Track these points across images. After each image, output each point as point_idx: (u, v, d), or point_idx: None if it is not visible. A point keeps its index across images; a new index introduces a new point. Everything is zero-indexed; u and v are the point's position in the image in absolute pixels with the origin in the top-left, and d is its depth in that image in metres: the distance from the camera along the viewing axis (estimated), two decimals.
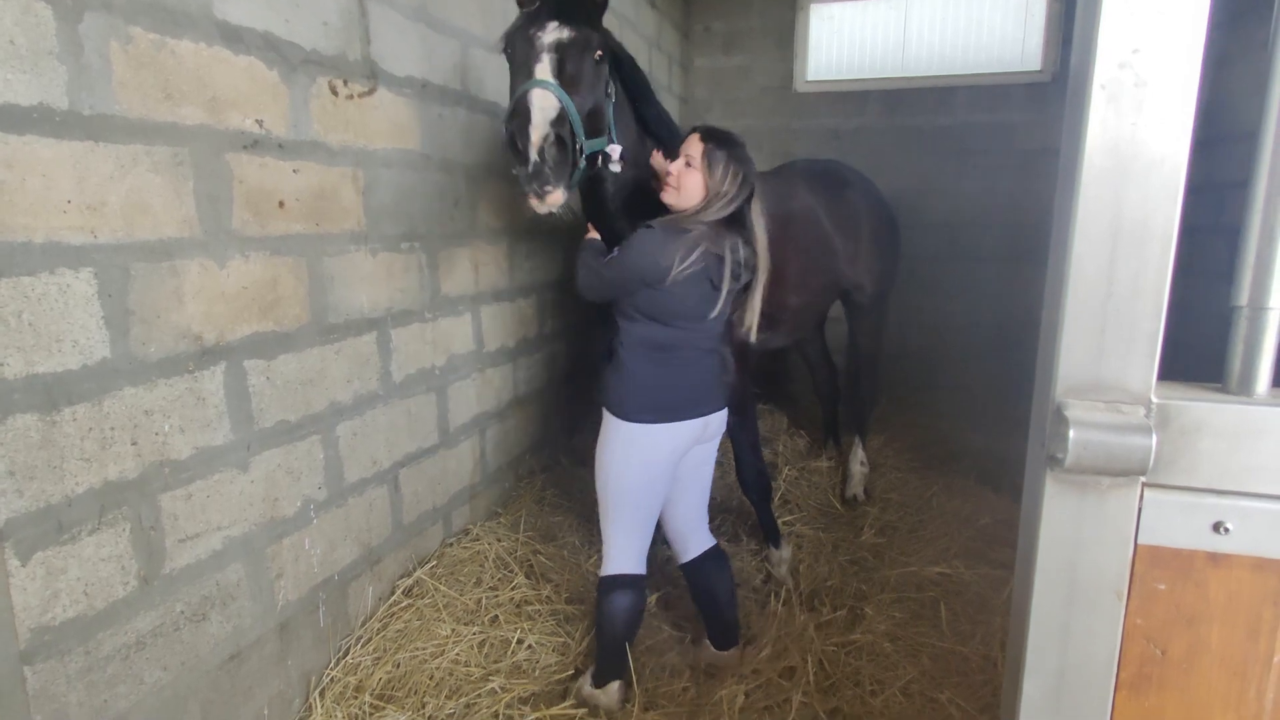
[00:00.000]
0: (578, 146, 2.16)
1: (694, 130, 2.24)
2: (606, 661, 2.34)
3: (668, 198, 2.22)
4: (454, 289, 2.96)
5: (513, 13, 3.27)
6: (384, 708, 2.27)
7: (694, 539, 2.50)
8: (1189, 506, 0.54)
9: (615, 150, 2.32)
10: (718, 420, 2.37)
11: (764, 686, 2.41)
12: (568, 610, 2.81)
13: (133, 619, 1.73)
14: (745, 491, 3.04)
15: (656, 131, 2.53)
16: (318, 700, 2.26)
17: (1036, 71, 5.27)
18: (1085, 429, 0.51)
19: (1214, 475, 0.53)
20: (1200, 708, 0.57)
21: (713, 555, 2.52)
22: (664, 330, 2.20)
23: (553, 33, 2.20)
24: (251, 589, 2.06)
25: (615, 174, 2.38)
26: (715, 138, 2.20)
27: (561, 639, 2.66)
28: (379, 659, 2.45)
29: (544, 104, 2.11)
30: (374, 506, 2.57)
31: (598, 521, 3.37)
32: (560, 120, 2.10)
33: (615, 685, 2.34)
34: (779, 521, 3.25)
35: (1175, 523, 0.54)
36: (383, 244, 2.52)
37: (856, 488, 3.83)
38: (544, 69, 2.16)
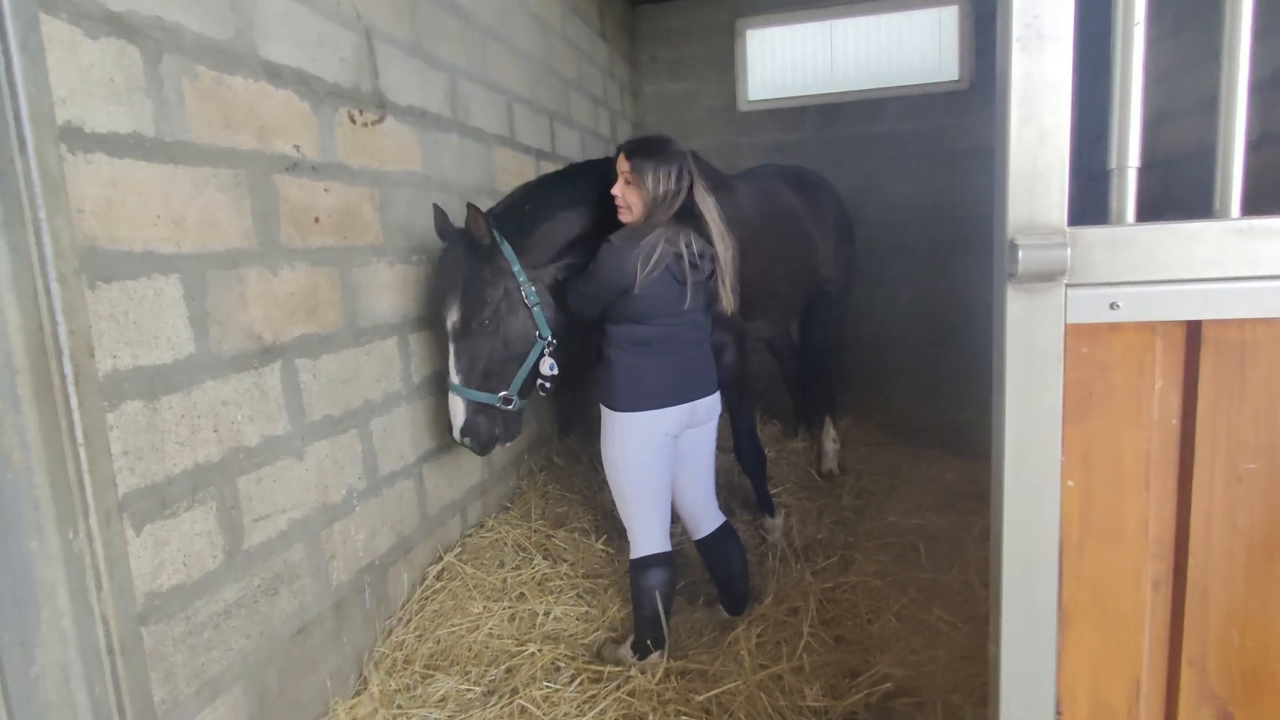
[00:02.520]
0: (512, 409, 2.68)
1: (619, 149, 2.44)
2: (647, 636, 2.51)
3: (623, 218, 2.43)
4: None
5: (491, 50, 3.60)
6: (433, 675, 2.47)
7: (705, 518, 2.71)
8: (1094, 295, 0.85)
9: (547, 366, 2.72)
10: (705, 405, 2.56)
11: (774, 626, 2.68)
12: (586, 584, 3.04)
13: (221, 589, 1.92)
14: (743, 465, 3.33)
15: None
16: (372, 672, 2.45)
17: (955, 81, 5.81)
18: (1029, 250, 0.82)
19: (1106, 273, 0.84)
20: (1115, 426, 0.87)
21: (725, 532, 2.73)
22: (643, 328, 2.41)
23: (453, 313, 2.60)
24: (311, 568, 2.26)
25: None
26: (638, 150, 2.38)
27: (585, 608, 2.89)
28: (421, 636, 2.64)
29: (455, 409, 2.63)
30: (404, 498, 2.78)
31: (602, 507, 3.64)
32: (474, 424, 2.63)
33: (655, 656, 2.51)
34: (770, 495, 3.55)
35: (1087, 307, 0.85)
36: (398, 256, 2.77)
37: (831, 462, 4.16)
38: (453, 367, 2.62)
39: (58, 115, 1.52)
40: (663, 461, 2.50)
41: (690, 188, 2.38)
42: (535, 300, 2.66)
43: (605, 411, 2.50)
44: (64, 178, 1.53)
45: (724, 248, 2.44)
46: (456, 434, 2.65)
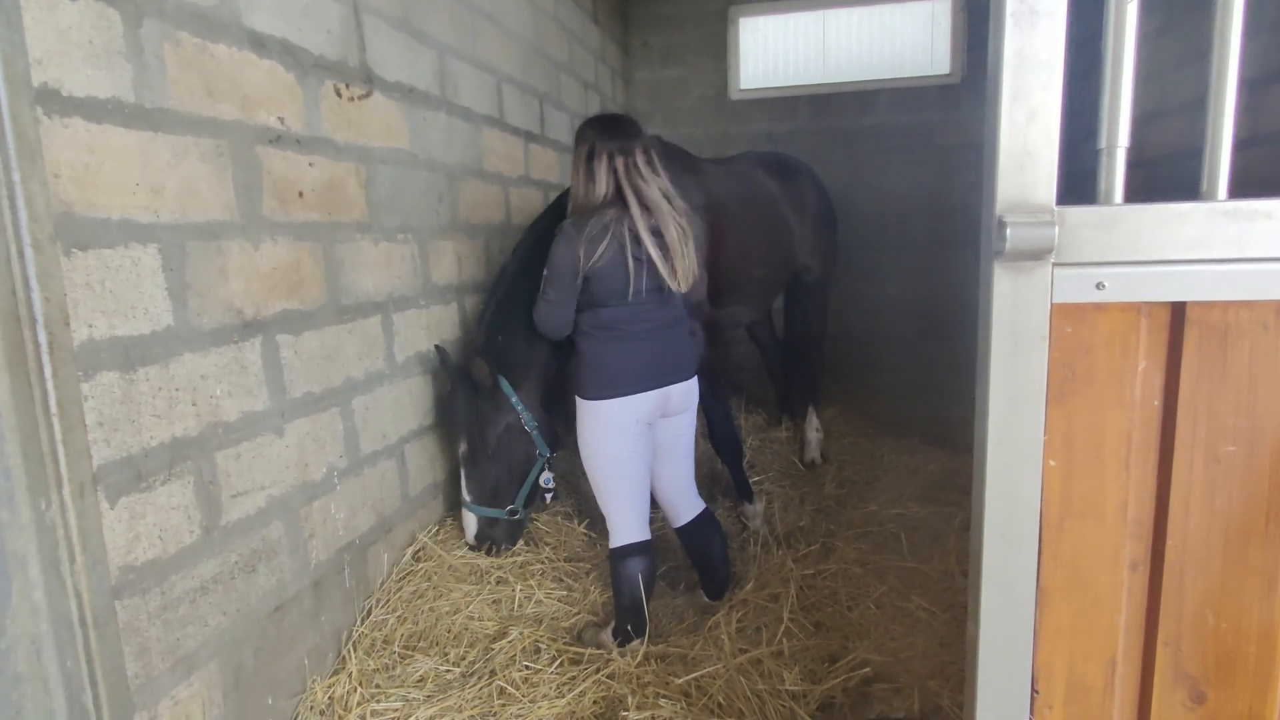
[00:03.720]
0: (517, 518, 3.00)
1: None
2: (627, 623, 2.51)
3: None
4: (441, 279, 3.19)
5: (482, 28, 3.57)
6: (412, 656, 2.47)
7: (684, 505, 2.72)
8: (1081, 275, 0.85)
9: (544, 480, 3.05)
10: (679, 391, 2.52)
11: (754, 612, 2.69)
12: (567, 568, 3.04)
13: (197, 565, 1.90)
14: (719, 452, 3.33)
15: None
16: (350, 652, 2.44)
17: (946, 75, 5.81)
18: (1016, 228, 0.82)
19: (1093, 253, 0.84)
20: (1097, 406, 0.87)
21: (705, 519, 2.74)
22: (604, 311, 2.42)
23: (462, 445, 2.93)
24: (290, 546, 2.24)
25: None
26: (579, 128, 2.50)
27: (566, 592, 2.89)
28: (401, 617, 2.63)
29: (468, 524, 2.96)
30: (385, 477, 2.76)
31: (585, 492, 3.63)
32: (484, 534, 2.95)
33: (636, 643, 2.51)
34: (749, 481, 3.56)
35: (1073, 286, 0.85)
36: (383, 234, 2.73)
37: (814, 452, 4.18)
38: (464, 487, 2.95)
39: (34, 77, 1.49)
40: (637, 450, 2.49)
41: (625, 169, 2.36)
42: (533, 424, 2.97)
43: (578, 401, 2.52)
44: (40, 141, 1.50)
45: (674, 229, 2.37)
46: (471, 541, 2.98)
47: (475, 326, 3.18)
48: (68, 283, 1.57)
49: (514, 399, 2.93)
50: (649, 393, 2.44)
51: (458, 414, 2.93)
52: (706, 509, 2.77)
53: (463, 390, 2.90)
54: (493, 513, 2.95)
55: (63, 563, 1.59)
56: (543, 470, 3.02)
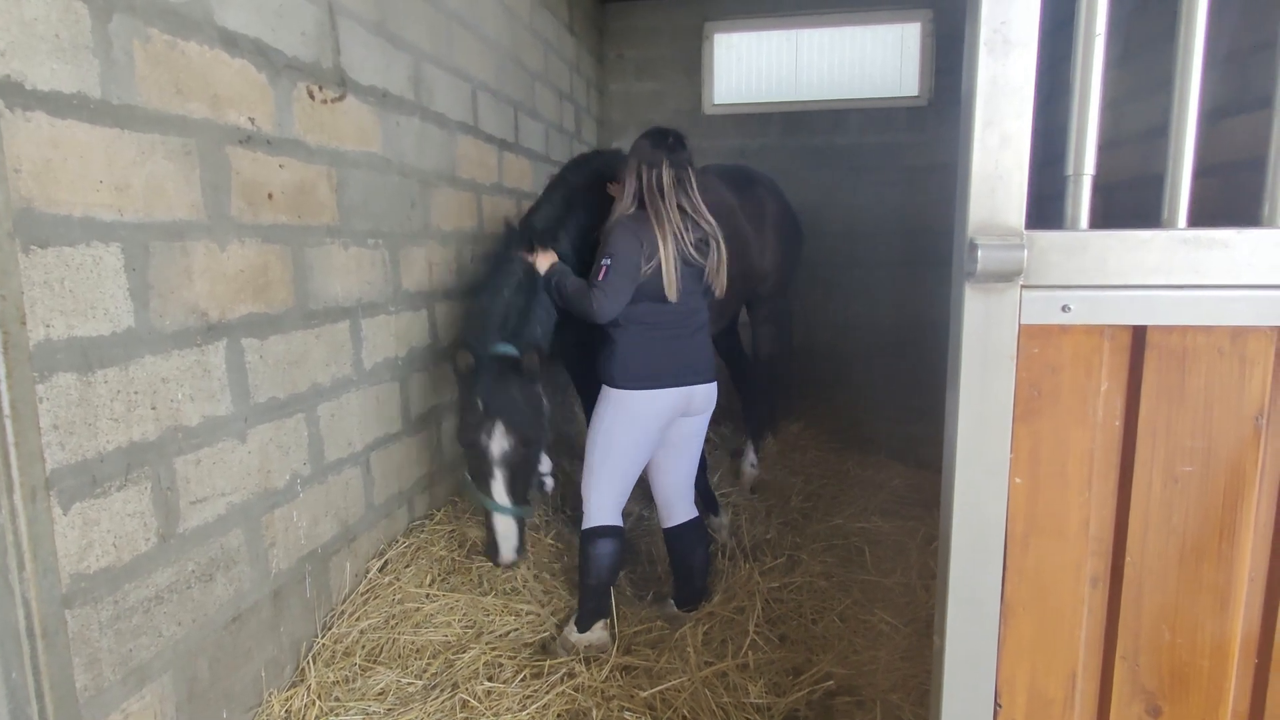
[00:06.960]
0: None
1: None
2: (591, 605, 2.58)
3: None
4: (412, 285, 3.16)
5: (458, 35, 3.56)
6: (373, 668, 2.42)
7: (679, 507, 2.79)
8: (1047, 297, 0.87)
9: (548, 467, 3.02)
10: (703, 393, 2.65)
11: (720, 624, 2.70)
12: (533, 579, 3.01)
13: (153, 573, 1.85)
14: None
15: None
16: (310, 665, 2.38)
17: (915, 97, 5.94)
18: (988, 250, 0.84)
19: (1060, 276, 0.87)
20: (1062, 425, 0.90)
21: (694, 526, 2.80)
22: (642, 306, 2.52)
23: (499, 440, 2.66)
24: (250, 554, 2.19)
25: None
26: None
27: (531, 604, 2.86)
28: (362, 630, 2.58)
29: (510, 533, 2.72)
30: (349, 486, 2.72)
31: (553, 502, 3.61)
32: (522, 541, 2.79)
33: (600, 624, 2.57)
34: (716, 495, 3.57)
35: (1040, 308, 0.87)
36: (353, 239, 2.70)
37: (746, 486, 3.96)
38: (501, 490, 2.68)
39: None
40: (641, 445, 2.58)
41: (675, 182, 2.52)
42: (549, 410, 2.86)
43: (604, 388, 2.61)
44: (0, 134, 1.45)
45: (719, 240, 2.60)
46: (511, 557, 2.71)
47: (488, 306, 2.86)
48: (25, 280, 1.52)
49: (538, 386, 2.80)
50: (674, 389, 2.55)
51: (498, 407, 2.64)
52: (698, 517, 2.84)
53: (512, 381, 2.68)
54: (524, 512, 2.74)
55: (11, 570, 1.54)
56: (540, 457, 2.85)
